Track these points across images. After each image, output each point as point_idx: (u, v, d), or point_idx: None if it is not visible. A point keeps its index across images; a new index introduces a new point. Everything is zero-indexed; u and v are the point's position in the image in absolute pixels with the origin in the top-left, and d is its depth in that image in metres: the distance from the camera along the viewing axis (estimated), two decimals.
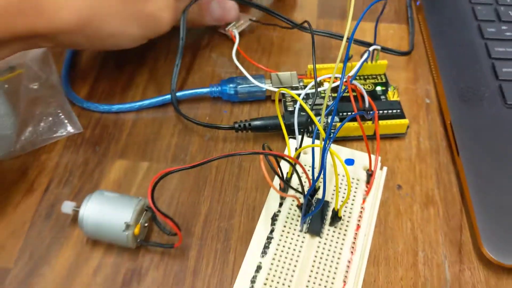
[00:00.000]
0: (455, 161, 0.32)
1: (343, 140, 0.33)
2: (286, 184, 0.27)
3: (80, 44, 0.33)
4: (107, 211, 0.27)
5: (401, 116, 0.33)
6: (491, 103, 0.34)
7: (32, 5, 0.28)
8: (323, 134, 0.25)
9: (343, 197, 0.29)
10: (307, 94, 0.35)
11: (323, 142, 0.24)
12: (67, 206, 0.29)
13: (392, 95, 0.34)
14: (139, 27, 0.32)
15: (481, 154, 0.31)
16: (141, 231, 0.28)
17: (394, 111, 0.33)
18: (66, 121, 0.34)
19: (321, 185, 0.27)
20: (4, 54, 0.29)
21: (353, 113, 0.32)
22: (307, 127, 0.32)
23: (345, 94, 0.34)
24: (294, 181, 0.30)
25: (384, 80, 0.36)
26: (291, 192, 0.28)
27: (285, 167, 0.30)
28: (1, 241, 0.29)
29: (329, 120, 0.32)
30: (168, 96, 0.35)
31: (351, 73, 0.33)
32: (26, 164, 0.32)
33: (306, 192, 0.27)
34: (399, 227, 0.30)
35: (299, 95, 0.33)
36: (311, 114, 0.24)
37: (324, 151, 0.24)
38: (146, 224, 0.28)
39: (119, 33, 0.32)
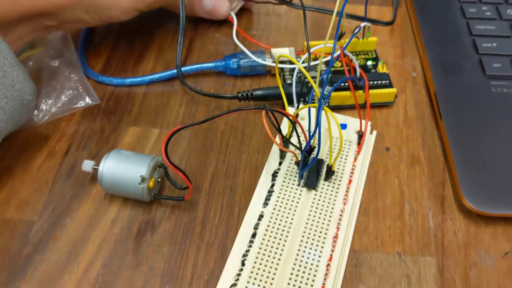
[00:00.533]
0: (438, 126, 0.35)
1: (337, 109, 0.36)
2: (285, 139, 0.30)
3: (81, 19, 0.35)
4: (124, 167, 0.30)
5: (389, 86, 0.36)
6: (472, 74, 0.37)
7: None
8: (317, 93, 0.28)
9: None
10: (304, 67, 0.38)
11: (318, 103, 0.28)
12: (87, 165, 0.31)
13: (381, 68, 0.38)
14: None
15: (462, 118, 0.34)
16: (155, 186, 0.31)
17: (383, 81, 0.36)
18: (84, 93, 0.37)
19: (317, 145, 0.30)
20: (17, 34, 0.33)
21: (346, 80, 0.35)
22: (304, 97, 0.36)
23: (339, 68, 0.38)
24: (293, 141, 0.33)
25: (374, 56, 0.39)
26: (290, 148, 0.31)
27: (284, 129, 0.33)
28: (27, 196, 0.32)
29: (325, 90, 0.36)
30: (175, 71, 0.38)
31: (345, 45, 0.36)
32: (47, 131, 0.35)
33: (303, 148, 0.30)
34: (387, 183, 0.33)
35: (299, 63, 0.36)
36: (308, 75, 0.27)
37: (319, 108, 0.27)
38: (159, 180, 0.31)
39: (112, 4, 0.35)
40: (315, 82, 0.29)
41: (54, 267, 0.29)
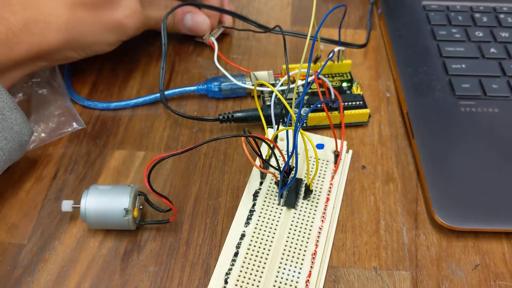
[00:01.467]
0: (411, 144, 0.37)
1: (315, 129, 0.38)
2: (264, 161, 0.32)
3: (70, 57, 0.37)
4: (106, 202, 0.31)
5: (364, 106, 0.38)
6: (442, 94, 0.39)
7: (25, 34, 0.33)
8: (294, 117, 0.30)
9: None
10: (282, 91, 0.40)
11: (294, 125, 0.29)
12: (67, 205, 0.32)
13: (356, 90, 0.39)
14: (111, 33, 0.37)
15: (432, 137, 0.36)
16: (138, 214, 0.32)
17: (357, 102, 0.38)
18: (71, 119, 0.38)
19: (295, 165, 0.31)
20: (12, 78, 0.35)
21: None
22: (282, 118, 0.37)
23: (316, 90, 0.39)
24: (272, 163, 0.35)
25: (349, 78, 0.41)
26: (270, 169, 0.33)
27: (264, 151, 0.35)
28: (16, 221, 0.33)
29: (301, 112, 0.37)
30: (158, 94, 0.40)
31: (319, 70, 0.38)
32: (35, 156, 0.37)
33: (281, 168, 0.31)
34: (363, 200, 0.34)
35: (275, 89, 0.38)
36: (283, 100, 0.29)
37: (295, 131, 0.29)
38: (141, 207, 0.33)
39: (97, 41, 0.37)
40: (291, 104, 0.31)
41: None
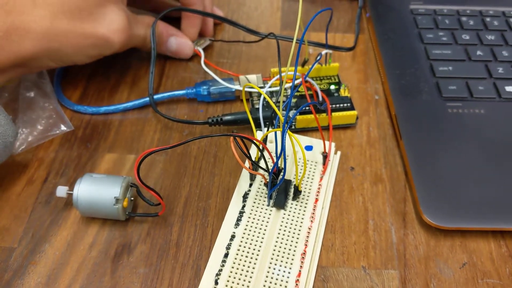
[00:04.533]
0: (399, 145, 0.38)
1: (304, 131, 0.38)
2: (253, 163, 0.32)
3: (47, 65, 0.37)
4: (98, 189, 0.32)
5: (351, 108, 0.38)
6: (429, 96, 0.39)
7: (4, 40, 0.33)
8: (281, 119, 0.30)
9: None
10: (270, 93, 0.40)
11: (282, 127, 0.30)
12: (61, 190, 0.33)
13: (343, 92, 0.40)
14: (93, 47, 0.37)
15: (420, 138, 0.37)
16: (129, 205, 0.32)
17: (345, 104, 0.38)
18: (59, 121, 0.38)
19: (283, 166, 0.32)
20: None
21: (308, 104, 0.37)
22: (271, 120, 0.37)
23: (303, 93, 0.40)
24: (262, 165, 0.35)
25: (337, 80, 0.41)
26: (259, 171, 0.33)
27: (253, 152, 0.35)
28: (6, 224, 0.33)
29: (290, 114, 0.38)
30: (148, 99, 0.40)
31: (307, 72, 0.38)
32: (25, 160, 0.37)
33: (270, 169, 0.31)
34: (352, 201, 0.35)
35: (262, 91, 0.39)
36: (271, 102, 0.29)
37: (283, 132, 0.29)
38: (132, 199, 0.33)
39: (76, 53, 0.37)
40: (279, 107, 0.31)
41: None
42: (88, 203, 0.32)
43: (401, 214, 0.34)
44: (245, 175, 0.35)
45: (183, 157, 0.37)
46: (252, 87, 0.33)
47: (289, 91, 0.40)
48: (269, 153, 0.32)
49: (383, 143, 0.38)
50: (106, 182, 0.32)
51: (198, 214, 0.34)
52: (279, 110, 0.31)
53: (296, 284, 0.29)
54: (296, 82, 0.38)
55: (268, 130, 0.36)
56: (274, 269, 0.30)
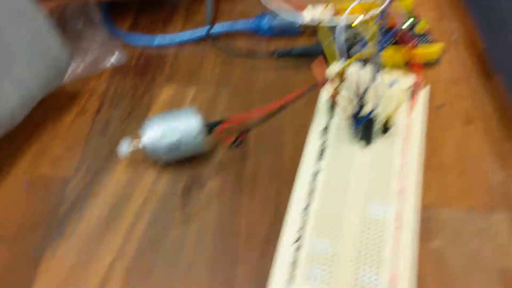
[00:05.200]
0: (487, 84, 0.34)
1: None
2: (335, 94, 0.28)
3: None
4: (174, 127, 0.27)
5: (434, 42, 0.35)
6: None
7: None
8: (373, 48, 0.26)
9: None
10: (331, 27, 0.36)
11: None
12: (126, 145, 0.28)
13: (422, 27, 0.36)
14: None
15: None
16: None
17: (427, 38, 0.35)
18: (110, 52, 0.35)
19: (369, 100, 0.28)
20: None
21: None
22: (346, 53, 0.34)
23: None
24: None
25: (413, 15, 0.37)
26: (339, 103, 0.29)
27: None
28: (59, 153, 0.30)
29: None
30: (205, 32, 0.36)
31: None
32: (75, 89, 0.33)
33: (360, 96, 0.28)
34: (444, 140, 0.31)
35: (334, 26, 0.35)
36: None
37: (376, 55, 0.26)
38: None
39: None
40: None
41: (94, 225, 0.26)
42: (168, 146, 0.27)
43: (499, 154, 0.30)
44: (321, 109, 0.31)
45: (248, 90, 0.33)
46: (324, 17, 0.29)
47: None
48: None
49: (467, 82, 0.34)
50: (177, 117, 0.28)
51: (273, 150, 0.30)
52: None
53: (397, 224, 0.26)
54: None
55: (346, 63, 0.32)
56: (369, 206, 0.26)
